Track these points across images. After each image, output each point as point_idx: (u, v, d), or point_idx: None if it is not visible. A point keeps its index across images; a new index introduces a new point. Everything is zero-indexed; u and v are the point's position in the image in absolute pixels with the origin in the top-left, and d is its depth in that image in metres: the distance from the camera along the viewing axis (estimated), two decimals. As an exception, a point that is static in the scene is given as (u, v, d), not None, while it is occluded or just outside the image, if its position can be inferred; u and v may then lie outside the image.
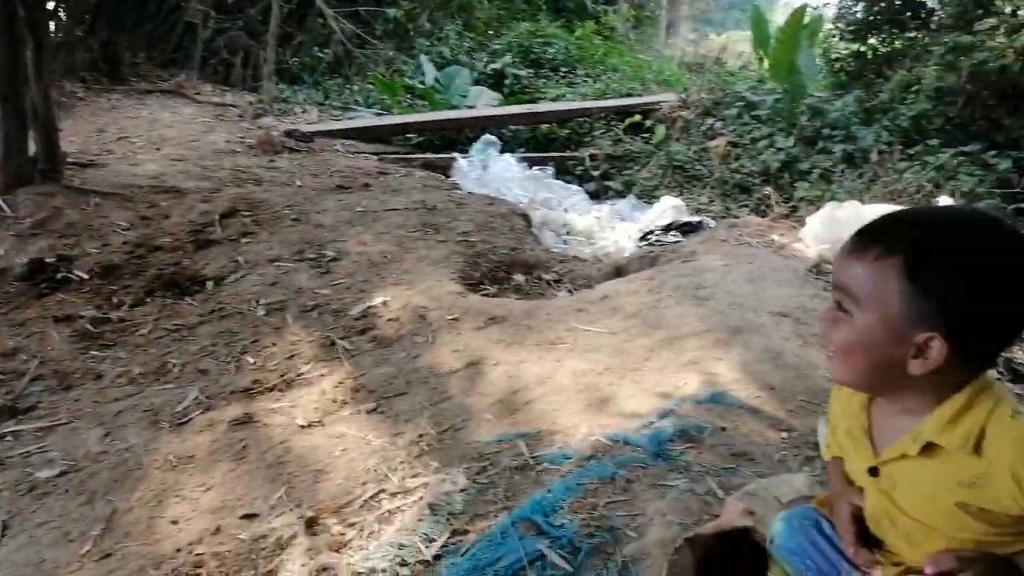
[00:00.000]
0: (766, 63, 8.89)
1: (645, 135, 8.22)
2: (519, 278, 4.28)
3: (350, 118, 8.52)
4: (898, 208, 1.04)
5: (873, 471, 1.07)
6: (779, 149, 6.83)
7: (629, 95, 9.49)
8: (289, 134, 6.96)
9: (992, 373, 0.99)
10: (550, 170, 7.02)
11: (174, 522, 2.19)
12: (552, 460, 2.16)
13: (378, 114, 8.87)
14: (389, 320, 3.47)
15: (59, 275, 4.10)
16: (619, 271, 4.24)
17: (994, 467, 0.92)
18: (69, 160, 5.44)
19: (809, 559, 1.21)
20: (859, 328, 0.98)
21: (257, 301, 3.77)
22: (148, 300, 3.93)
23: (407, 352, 3.16)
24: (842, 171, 6.46)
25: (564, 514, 1.83)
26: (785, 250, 4.14)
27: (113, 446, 2.60)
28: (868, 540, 1.11)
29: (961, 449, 0.95)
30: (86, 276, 4.13)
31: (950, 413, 0.96)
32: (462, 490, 2.08)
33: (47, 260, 4.20)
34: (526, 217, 5.31)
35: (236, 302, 3.79)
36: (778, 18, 13.95)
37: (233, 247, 4.47)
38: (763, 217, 5.23)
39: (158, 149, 6.64)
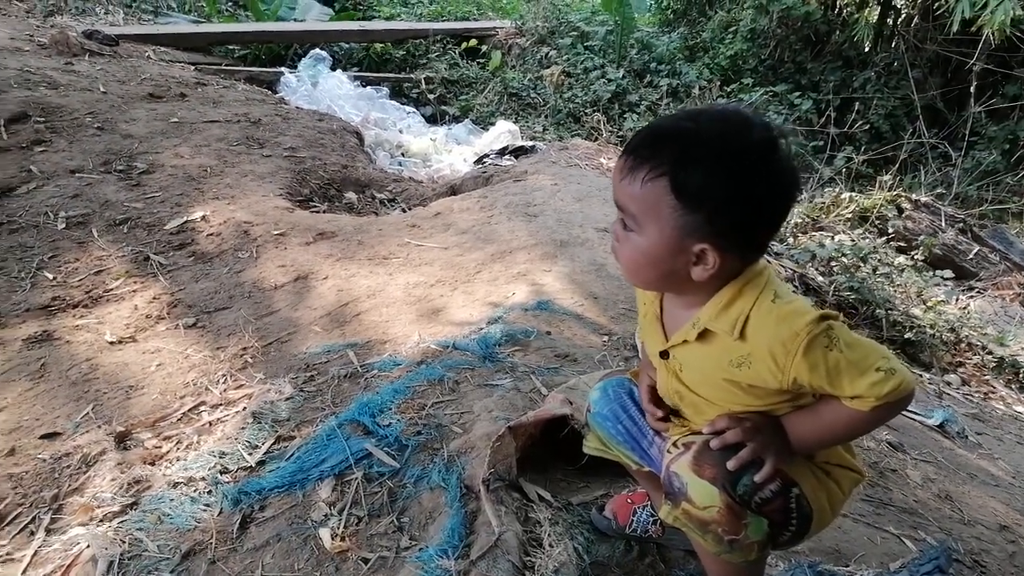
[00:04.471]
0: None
1: (481, 60, 8.16)
2: (351, 196, 4.17)
3: (163, 23, 7.77)
4: (663, 119, 1.08)
5: (664, 354, 1.16)
6: (609, 80, 7.02)
7: (465, 19, 9.33)
8: (89, 35, 6.24)
9: (763, 262, 1.08)
10: (385, 91, 6.81)
11: (-40, 446, 1.98)
12: (381, 367, 2.16)
13: (196, 21, 8.16)
14: (209, 235, 3.28)
15: None
16: (453, 191, 4.23)
17: (756, 348, 1.02)
18: None
19: (621, 424, 1.31)
20: (641, 245, 1.04)
21: (55, 214, 3.41)
22: (-82, 211, 3.45)
23: (229, 267, 3.01)
24: (668, 104, 6.77)
25: (391, 415, 1.85)
26: (611, 173, 4.30)
27: None
28: (666, 408, 1.21)
29: (729, 334, 1.04)
30: None
31: (722, 302, 1.05)
32: (288, 399, 2.03)
33: None
34: (359, 135, 5.15)
35: (30, 215, 3.41)
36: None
37: (24, 155, 3.99)
38: (592, 142, 5.39)
39: (-76, 43, 5.75)
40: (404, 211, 4.03)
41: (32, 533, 1.67)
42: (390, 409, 1.86)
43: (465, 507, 1.49)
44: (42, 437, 2.00)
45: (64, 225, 3.33)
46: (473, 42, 8.23)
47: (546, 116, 6.96)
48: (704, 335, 1.09)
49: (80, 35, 6.17)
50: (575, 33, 7.97)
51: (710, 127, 0.99)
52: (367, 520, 1.54)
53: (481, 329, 2.30)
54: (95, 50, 6.04)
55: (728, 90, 6.90)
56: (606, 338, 2.29)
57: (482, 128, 6.50)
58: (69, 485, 1.82)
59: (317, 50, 7.12)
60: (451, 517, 1.46)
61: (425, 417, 1.84)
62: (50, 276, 2.93)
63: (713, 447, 1.06)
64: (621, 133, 6.22)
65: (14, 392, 2.19)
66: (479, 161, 5.13)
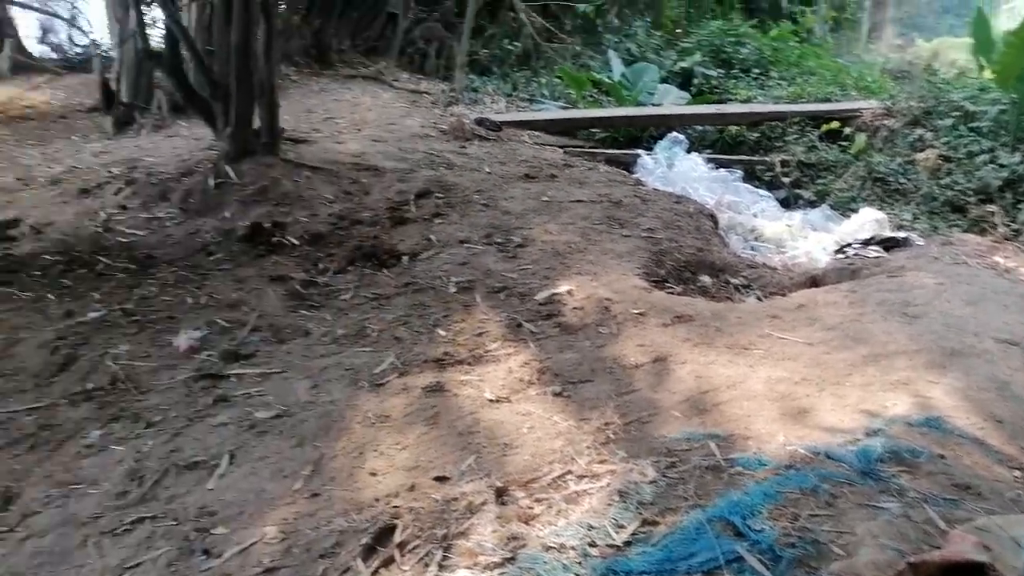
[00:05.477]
0: (988, 71, 8.10)
1: (843, 143, 7.75)
2: (705, 279, 4.18)
3: (537, 110, 8.68)
4: None
5: None
6: (1002, 166, 6.20)
7: (827, 100, 8.97)
8: (479, 122, 7.19)
9: None
10: (738, 173, 6.79)
11: (373, 474, 2.33)
12: (746, 464, 2.09)
13: (564, 107, 8.96)
14: (574, 308, 3.51)
15: (274, 239, 4.50)
16: (814, 282, 4.03)
17: None
18: (285, 136, 5.93)
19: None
20: None
21: (448, 278, 3.93)
22: (350, 268, 4.21)
23: (591, 341, 3.18)
24: (1077, 194, 5.77)
25: (763, 519, 1.77)
26: (1011, 274, 3.76)
27: (320, 398, 2.81)
28: None
29: None
30: (297, 242, 4.49)
31: None
32: (651, 481, 2.06)
33: (265, 225, 4.62)
34: (713, 218, 5.18)
35: (428, 278, 3.98)
36: (1002, 24, 12.69)
37: (426, 226, 4.69)
38: (983, 237, 4.77)
39: (359, 130, 7.09)
40: (760, 299, 3.93)
41: (426, 565, 1.89)
42: (761, 513, 1.79)
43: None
44: (435, 479, 2.28)
45: (455, 289, 3.82)
46: (835, 124, 7.86)
47: (917, 204, 6.34)
48: None
49: (472, 122, 7.14)
50: (958, 113, 7.20)
51: None
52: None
53: (858, 440, 2.12)
54: (483, 135, 6.95)
55: None
56: (1018, 473, 1.97)
57: (841, 214, 6.14)
58: (456, 528, 2.03)
59: (674, 133, 7.36)
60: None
61: (799, 529, 1.73)
62: (443, 333, 3.36)
63: None
64: (1016, 226, 5.42)
65: (415, 434, 2.53)
66: (840, 250, 4.83)
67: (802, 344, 2.95)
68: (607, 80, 9.62)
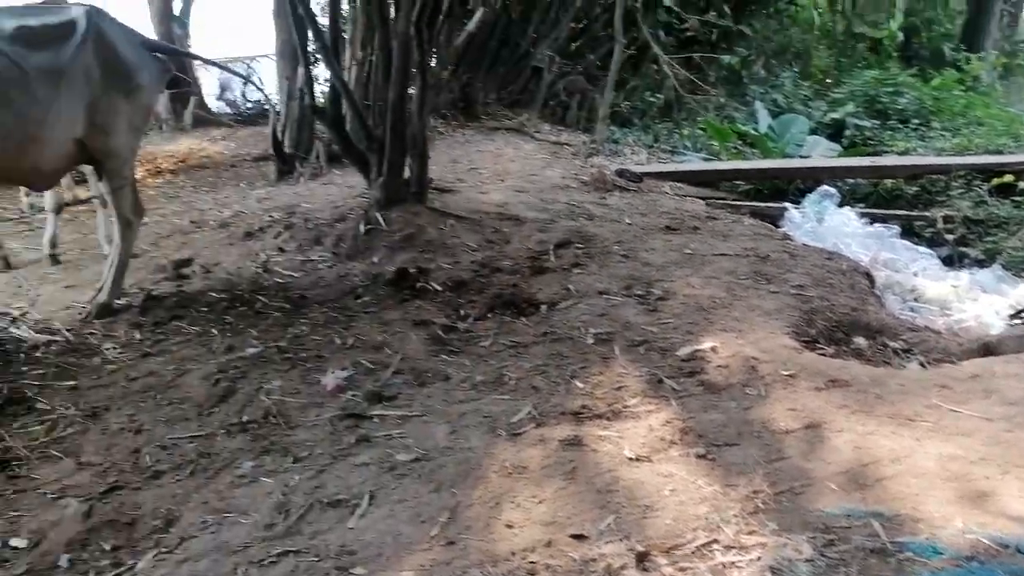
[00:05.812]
0: None
1: (1016, 198, 7.13)
2: (860, 341, 3.91)
3: (678, 161, 8.58)
4: None
5: None
6: None
7: (998, 152, 8.33)
8: (620, 173, 7.18)
9: None
10: (895, 229, 6.37)
11: (509, 526, 2.30)
12: (917, 550, 1.90)
13: (706, 159, 8.82)
14: (718, 366, 3.37)
15: (418, 284, 4.63)
16: (988, 350, 3.67)
17: None
18: (432, 185, 6.15)
19: None
20: None
21: (586, 329, 3.89)
22: (489, 315, 4.26)
23: (737, 402, 3.03)
24: None
25: (941, 617, 1.59)
26: None
27: (458, 444, 2.82)
28: None
29: None
30: (439, 288, 4.61)
31: None
32: (807, 560, 1.91)
33: (410, 270, 4.77)
34: (869, 276, 4.87)
35: (567, 328, 3.95)
36: None
37: (565, 276, 4.68)
38: None
39: (502, 180, 7.26)
40: (924, 366, 3.62)
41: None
42: (938, 609, 1.60)
43: None
44: (572, 536, 2.21)
45: (593, 340, 3.77)
46: (1008, 178, 7.25)
47: (1107, 266, 5.71)
48: None
49: (613, 173, 7.15)
50: None
51: None
52: None
53: (1056, 534, 1.88)
54: (623, 186, 6.93)
55: None
56: None
57: (1015, 275, 5.62)
58: (594, 591, 1.95)
59: (825, 186, 7.04)
60: None
61: (986, 632, 1.54)
62: (581, 385, 3.31)
63: None
64: None
65: (551, 488, 2.48)
66: (1017, 315, 4.41)
67: (978, 419, 2.67)
68: (752, 131, 9.40)
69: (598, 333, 3.84)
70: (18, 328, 4.17)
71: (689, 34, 11.88)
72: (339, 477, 2.66)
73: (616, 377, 3.37)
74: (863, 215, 6.63)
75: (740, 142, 9.34)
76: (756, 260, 4.83)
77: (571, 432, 2.85)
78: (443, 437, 2.89)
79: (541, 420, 3.00)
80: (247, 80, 13.82)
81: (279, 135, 8.70)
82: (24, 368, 3.69)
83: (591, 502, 2.39)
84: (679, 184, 7.39)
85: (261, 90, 11.87)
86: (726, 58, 12.23)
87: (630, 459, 2.63)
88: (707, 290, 4.31)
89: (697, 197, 7.14)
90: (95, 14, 4.12)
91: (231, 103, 14.77)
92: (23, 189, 7.10)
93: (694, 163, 8.40)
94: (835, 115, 10.03)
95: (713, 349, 3.51)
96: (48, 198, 5.59)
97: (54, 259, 5.66)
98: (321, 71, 9.66)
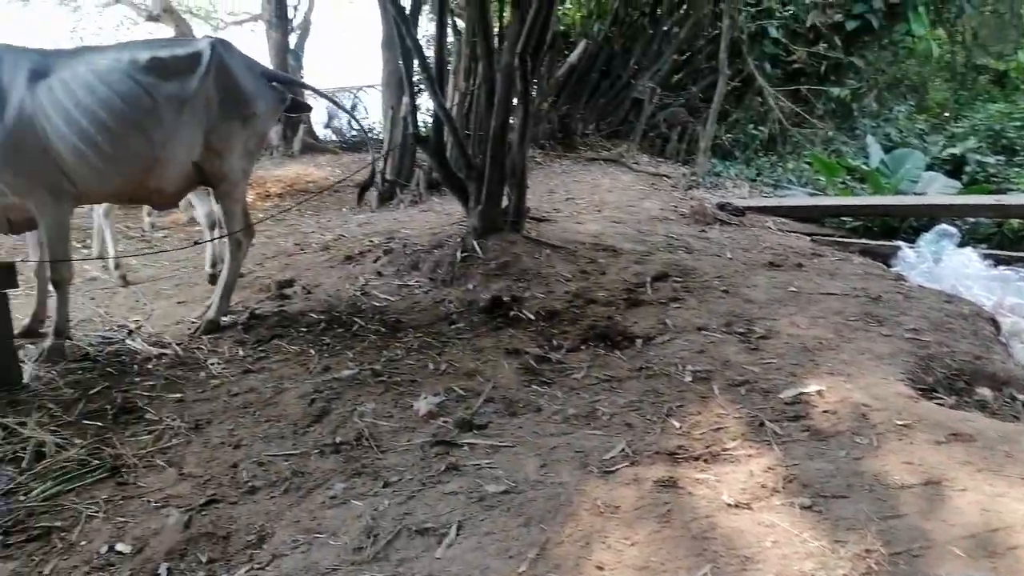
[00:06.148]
0: None
1: None
2: (985, 392, 3.62)
3: (782, 195, 8.31)
4: None
5: None
6: None
7: None
8: (721, 207, 7.02)
9: None
10: (1022, 272, 5.93)
11: (600, 568, 2.21)
12: (1058, 631, 1.70)
13: (812, 194, 8.51)
14: (824, 412, 3.18)
15: (512, 313, 4.61)
16: None
17: None
18: (528, 215, 6.16)
19: None
20: None
21: (684, 366, 3.77)
22: (582, 347, 4.19)
23: (846, 451, 2.84)
24: None
25: None
26: None
27: (548, 478, 2.76)
28: None
29: None
30: (533, 317, 4.58)
31: None
32: (929, 633, 1.74)
33: (504, 298, 4.77)
34: (994, 322, 4.52)
35: (663, 363, 3.84)
36: None
37: (662, 309, 4.57)
38: None
39: (599, 211, 7.21)
40: (1059, 422, 3.31)
41: None
42: None
43: None
44: (667, 584, 2.10)
45: (690, 378, 3.64)
46: None
47: None
48: None
49: (714, 206, 6.98)
50: None
51: None
52: None
53: None
54: (724, 220, 6.76)
55: None
56: None
57: None
58: (688, 646, 1.84)
59: (943, 225, 6.64)
60: None
61: None
62: (677, 424, 3.19)
63: None
64: None
65: (645, 530, 2.38)
66: None
67: None
68: (863, 166, 9.02)
69: (696, 371, 3.71)
70: (133, 340, 4.39)
71: (796, 66, 11.57)
72: (428, 504, 2.63)
73: (715, 417, 3.23)
74: (986, 256, 6.21)
75: (849, 177, 8.97)
76: (867, 300, 4.58)
77: (666, 473, 2.73)
78: (533, 470, 2.83)
79: (635, 458, 2.90)
80: (350, 113, 14.40)
81: (381, 163, 8.96)
82: (137, 379, 3.87)
83: (686, 548, 2.27)
84: (783, 219, 7.15)
85: (359, 123, 12.33)
86: (835, 90, 11.83)
87: (729, 505, 2.50)
88: (813, 330, 4.10)
89: (802, 233, 6.89)
90: (219, 46, 4.35)
91: (337, 131, 15.40)
92: (145, 209, 7.57)
93: (799, 198, 8.12)
94: (954, 150, 9.50)
95: (819, 393, 3.33)
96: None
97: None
98: (424, 101, 9.93)
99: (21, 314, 4.43)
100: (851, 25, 11.59)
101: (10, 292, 3.70)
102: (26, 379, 3.74)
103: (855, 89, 12.07)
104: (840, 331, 4.09)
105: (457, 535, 2.42)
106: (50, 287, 4.24)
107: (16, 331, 4.02)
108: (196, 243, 6.31)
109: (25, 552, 2.50)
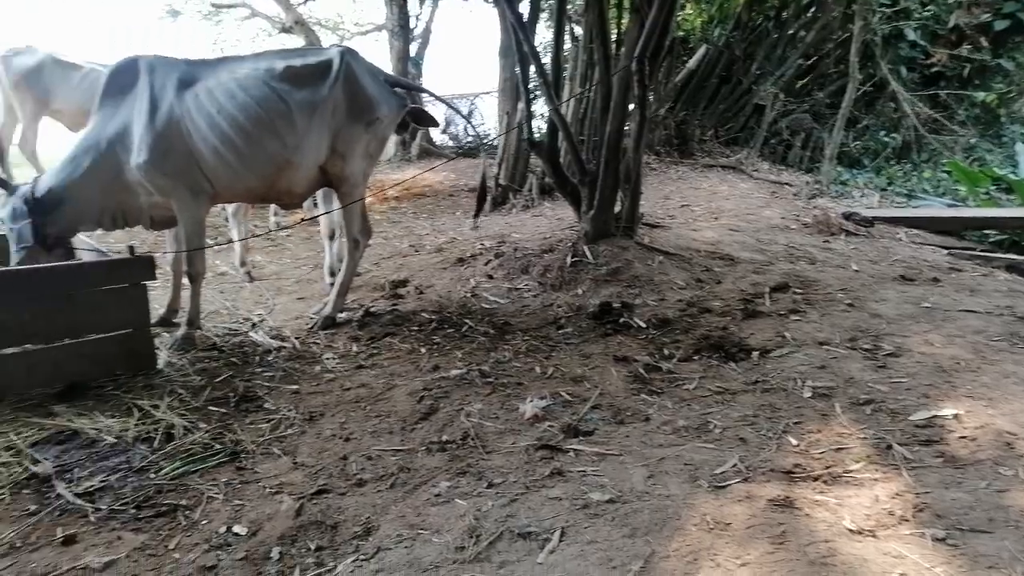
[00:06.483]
0: None
1: None
2: None
3: (916, 206, 7.80)
4: None
5: None
6: None
7: None
8: (848, 216, 6.65)
9: None
10: None
11: (707, 587, 2.11)
12: None
13: (950, 204, 7.93)
14: (961, 437, 2.93)
15: (621, 320, 4.53)
16: None
17: None
18: (642, 221, 6.05)
19: None
20: None
21: (803, 381, 3.57)
22: (695, 358, 4.05)
23: (987, 482, 2.60)
24: None
25: None
26: None
27: (655, 490, 2.67)
28: None
29: None
30: (643, 325, 4.47)
31: None
32: None
33: (614, 305, 4.69)
34: None
35: (780, 378, 3.66)
36: None
37: (781, 321, 4.37)
38: None
39: (716, 218, 6.99)
40: None
41: None
42: None
43: None
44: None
45: (810, 394, 3.45)
46: None
47: None
48: None
49: (839, 216, 6.62)
50: None
51: None
52: None
53: None
54: (851, 230, 6.40)
55: None
56: None
57: None
58: None
59: (1105, 241, 6.04)
60: None
61: None
62: (793, 442, 3.02)
63: None
64: None
65: (757, 550, 2.26)
66: None
67: None
68: (1011, 176, 8.32)
69: (816, 387, 3.51)
70: (256, 333, 4.60)
71: (935, 69, 10.86)
72: (531, 508, 2.60)
73: (836, 437, 3.04)
74: None
75: (994, 187, 8.30)
76: (1012, 320, 4.21)
77: (781, 492, 2.59)
78: (640, 481, 2.74)
79: (748, 475, 2.76)
80: (466, 118, 14.66)
81: (495, 169, 9.04)
82: (258, 370, 4.05)
83: (802, 573, 2.13)
84: (916, 231, 6.69)
85: (475, 129, 12.50)
86: (981, 95, 11.01)
87: (850, 531, 2.33)
88: (949, 349, 3.81)
89: (938, 246, 6.42)
90: (348, 54, 4.51)
91: (453, 136, 15.72)
92: (272, 208, 7.95)
93: (936, 208, 7.59)
94: (1119, 159, 8.64)
95: (956, 417, 3.07)
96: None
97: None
98: (538, 107, 9.97)
99: (158, 304, 4.73)
100: (1000, 25, 10.77)
101: (149, 284, 3.95)
102: (160, 365, 3.99)
103: (1003, 93, 11.19)
104: (981, 351, 3.77)
105: (560, 541, 2.37)
106: (185, 280, 4.51)
107: (152, 320, 4.29)
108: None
109: (153, 527, 2.64)
